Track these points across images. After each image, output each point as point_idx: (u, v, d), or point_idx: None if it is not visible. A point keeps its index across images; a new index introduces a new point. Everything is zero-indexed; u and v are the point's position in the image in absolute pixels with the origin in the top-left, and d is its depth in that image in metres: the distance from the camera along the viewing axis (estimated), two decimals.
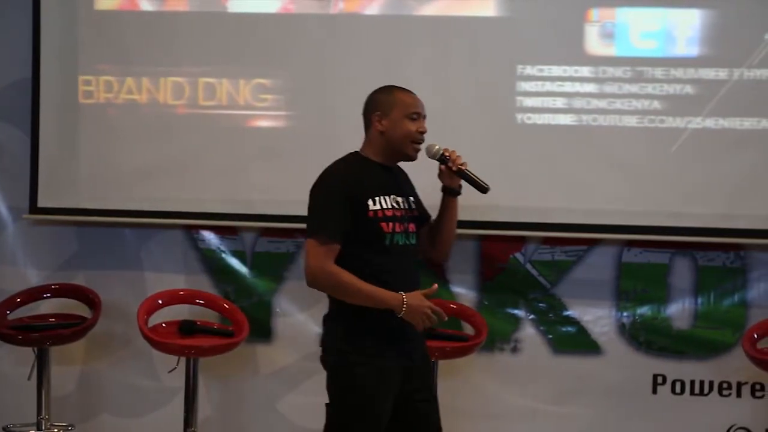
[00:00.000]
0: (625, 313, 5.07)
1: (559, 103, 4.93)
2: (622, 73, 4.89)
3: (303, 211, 4.91)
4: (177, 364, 4.86)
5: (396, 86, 3.63)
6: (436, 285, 3.45)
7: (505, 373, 5.11)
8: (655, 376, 5.06)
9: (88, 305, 5.11)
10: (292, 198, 5.00)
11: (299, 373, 5.17)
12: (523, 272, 5.11)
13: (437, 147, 3.59)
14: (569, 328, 5.11)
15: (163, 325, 4.95)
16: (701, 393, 5.03)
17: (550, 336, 5.12)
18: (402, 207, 3.51)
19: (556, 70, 4.91)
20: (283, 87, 5.08)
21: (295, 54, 5.05)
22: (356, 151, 3.58)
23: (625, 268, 5.06)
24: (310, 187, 4.94)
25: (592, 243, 5.06)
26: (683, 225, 4.88)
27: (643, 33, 4.88)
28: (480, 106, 4.94)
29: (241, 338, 4.87)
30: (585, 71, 4.90)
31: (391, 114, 3.51)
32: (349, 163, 3.54)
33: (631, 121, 4.89)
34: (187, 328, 4.90)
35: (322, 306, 5.09)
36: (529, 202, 4.94)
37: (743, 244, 4.96)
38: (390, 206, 3.46)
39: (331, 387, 3.49)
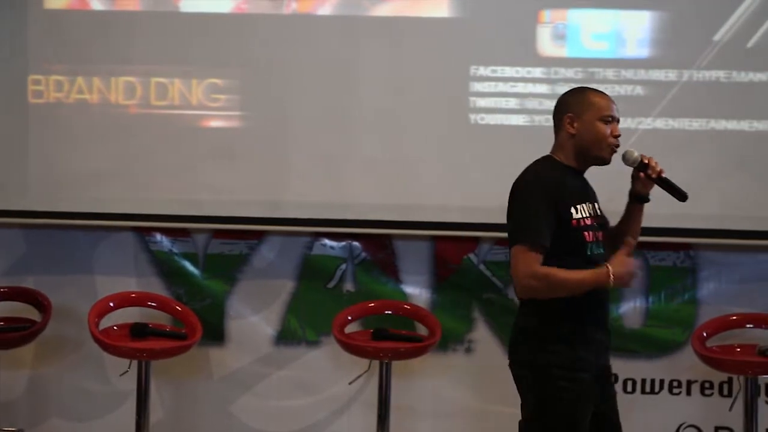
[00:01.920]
0: None
1: (512, 103, 4.96)
2: (574, 74, 4.92)
3: (257, 212, 5.02)
4: (129, 368, 4.80)
5: (589, 88, 3.47)
6: (631, 239, 3.30)
7: (459, 374, 5.12)
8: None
9: (37, 309, 5.04)
10: (246, 199, 5.02)
11: (253, 375, 5.15)
12: (477, 273, 5.12)
13: (636, 154, 3.41)
14: None
15: (115, 328, 4.89)
16: (652, 391, 5.08)
17: (504, 336, 5.13)
18: (593, 215, 3.35)
19: (509, 71, 4.94)
20: (236, 87, 5.05)
21: (248, 54, 5.03)
22: (549, 155, 3.41)
23: None
24: (263, 187, 5.02)
25: None
26: None
27: (595, 34, 4.93)
28: (433, 106, 4.95)
29: (193, 341, 4.82)
30: (537, 72, 4.93)
31: (584, 116, 3.30)
32: (550, 168, 3.33)
33: None
34: (138, 330, 4.85)
35: (276, 307, 5.15)
36: (483, 202, 4.94)
37: (693, 243, 5.01)
38: (588, 214, 3.31)
39: (531, 403, 3.35)
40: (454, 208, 4.97)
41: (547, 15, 4.92)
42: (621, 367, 5.06)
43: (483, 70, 4.95)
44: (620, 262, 3.18)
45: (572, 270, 3.17)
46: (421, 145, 4.98)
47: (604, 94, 3.38)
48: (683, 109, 4.88)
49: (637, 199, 3.44)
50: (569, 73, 4.92)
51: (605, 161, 3.34)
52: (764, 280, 5.01)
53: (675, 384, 5.05)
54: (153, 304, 5.05)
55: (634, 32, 4.91)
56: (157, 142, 5.06)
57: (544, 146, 4.87)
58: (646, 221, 4.94)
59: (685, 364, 4.98)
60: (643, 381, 5.08)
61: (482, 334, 5.13)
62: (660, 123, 4.90)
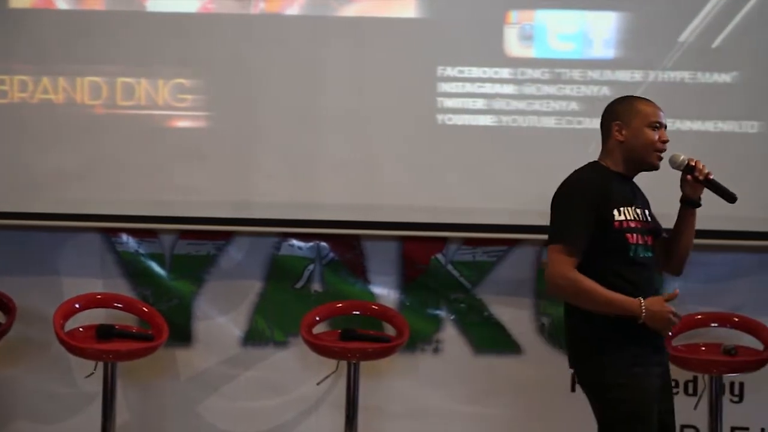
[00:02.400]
0: (544, 313, 5.13)
1: (479, 104, 4.97)
2: (541, 75, 4.94)
3: (224, 212, 5.00)
4: (94, 369, 4.77)
5: (636, 96, 3.57)
6: (677, 290, 3.37)
7: (427, 374, 5.13)
8: (573, 375, 5.11)
9: (2, 310, 4.98)
10: (213, 199, 5.00)
11: (220, 376, 5.13)
12: (444, 273, 5.13)
13: (683, 157, 3.46)
14: (490, 328, 5.15)
15: (80, 329, 4.86)
16: None
17: (471, 336, 5.15)
18: (641, 219, 3.40)
19: (476, 72, 4.95)
20: (203, 87, 5.03)
21: (215, 54, 5.01)
22: (596, 161, 3.48)
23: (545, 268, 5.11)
24: (230, 187, 5.00)
25: (513, 243, 5.10)
26: None
27: (561, 35, 4.95)
28: (401, 106, 4.95)
29: (160, 342, 4.80)
30: (504, 72, 4.95)
31: (632, 123, 3.40)
32: (594, 172, 3.43)
33: (550, 122, 4.95)
34: (104, 332, 4.82)
35: (244, 308, 5.13)
36: (450, 202, 4.97)
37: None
38: (633, 217, 3.36)
39: (600, 408, 3.38)
40: (422, 209, 4.98)
41: (514, 16, 4.94)
42: None
43: (450, 71, 4.96)
44: (656, 301, 3.27)
45: (605, 289, 3.25)
46: (388, 146, 4.98)
47: (650, 101, 3.47)
48: None
49: (688, 203, 3.49)
50: (536, 73, 4.94)
51: (654, 166, 3.42)
52: (728, 279, 5.05)
53: None
54: (119, 305, 5.02)
55: (600, 33, 4.94)
56: (123, 143, 5.03)
57: (511, 146, 4.96)
58: None
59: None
60: None
61: (450, 335, 5.14)
62: None
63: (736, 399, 5.09)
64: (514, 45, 4.95)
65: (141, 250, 5.15)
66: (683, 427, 5.06)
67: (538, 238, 5.05)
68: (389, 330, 4.99)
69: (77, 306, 4.92)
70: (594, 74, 4.94)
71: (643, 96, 3.58)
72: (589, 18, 4.94)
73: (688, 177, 3.45)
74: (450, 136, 4.98)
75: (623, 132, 3.41)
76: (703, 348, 4.79)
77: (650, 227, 3.44)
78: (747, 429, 5.08)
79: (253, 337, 5.15)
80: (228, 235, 5.12)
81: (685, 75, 4.91)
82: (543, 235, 4.92)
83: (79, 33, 5.03)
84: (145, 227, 5.10)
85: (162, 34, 5.01)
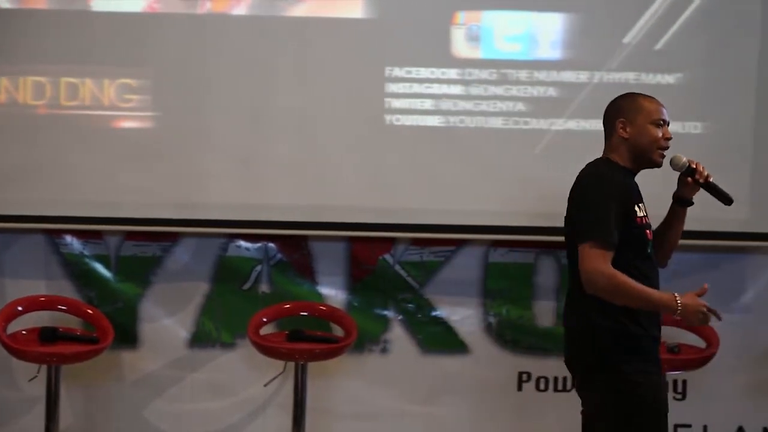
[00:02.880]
0: (491, 312, 5.16)
1: (427, 104, 4.98)
2: (488, 75, 4.97)
3: (171, 213, 4.96)
4: (38, 372, 4.71)
5: (640, 93, 3.56)
6: (706, 285, 3.33)
7: (375, 374, 5.13)
8: (520, 374, 5.16)
9: None
10: (159, 200, 4.96)
11: (166, 378, 5.08)
12: (392, 273, 5.13)
13: (684, 159, 3.48)
14: (437, 328, 5.16)
15: (23, 332, 4.79)
16: (564, 389, 5.14)
17: (419, 336, 5.16)
18: (647, 216, 3.43)
19: (424, 72, 4.96)
20: (148, 87, 4.97)
21: (161, 54, 4.96)
22: (606, 158, 3.47)
23: (492, 268, 5.15)
24: (177, 188, 4.95)
25: (460, 243, 5.12)
26: (547, 225, 4.97)
27: (508, 36, 4.97)
28: (349, 107, 4.95)
29: (105, 345, 4.75)
30: (452, 73, 4.96)
31: (637, 120, 3.42)
32: (613, 168, 3.42)
33: (497, 122, 4.98)
34: (48, 335, 4.75)
35: (190, 310, 5.09)
36: (398, 203, 4.98)
37: None
38: (645, 213, 3.39)
39: (608, 409, 3.35)
40: (370, 209, 4.98)
41: (461, 16, 4.96)
42: (534, 365, 5.15)
43: (398, 71, 4.96)
44: (690, 296, 3.27)
45: (644, 286, 3.26)
46: (336, 146, 4.98)
47: (654, 98, 3.50)
48: (594, 110, 4.86)
49: (681, 202, 3.53)
50: (483, 74, 4.96)
51: (657, 164, 3.44)
52: (673, 279, 5.10)
53: None
54: (63, 307, 4.95)
55: (546, 34, 4.97)
56: (67, 143, 4.96)
57: (459, 147, 4.98)
58: (556, 221, 5.05)
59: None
60: (556, 379, 5.14)
61: (398, 335, 5.15)
62: (572, 124, 4.97)
63: (679, 396, 5.16)
64: (461, 46, 4.96)
65: (86, 252, 5.09)
66: None
67: (485, 238, 5.09)
68: (337, 331, 4.99)
69: (20, 309, 4.85)
70: (540, 75, 4.97)
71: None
72: (535, 19, 4.97)
73: (689, 179, 3.48)
74: (398, 136, 4.99)
75: (627, 129, 3.42)
76: None
77: (649, 224, 3.47)
78: (690, 426, 5.16)
79: (199, 339, 5.11)
80: (174, 237, 5.08)
81: (630, 76, 4.96)
82: (490, 235, 5.05)
83: (21, 32, 4.94)
84: (90, 228, 5.04)
85: (107, 34, 4.94)
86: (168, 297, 5.07)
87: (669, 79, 4.96)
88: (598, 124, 4.93)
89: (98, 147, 4.96)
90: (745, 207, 4.96)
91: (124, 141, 4.99)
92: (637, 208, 3.35)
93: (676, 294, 3.26)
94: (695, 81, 4.96)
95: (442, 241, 5.10)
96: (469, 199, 4.98)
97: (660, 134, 3.41)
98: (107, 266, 5.10)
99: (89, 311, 4.94)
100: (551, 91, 4.95)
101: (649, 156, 3.42)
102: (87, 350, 4.72)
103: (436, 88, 4.97)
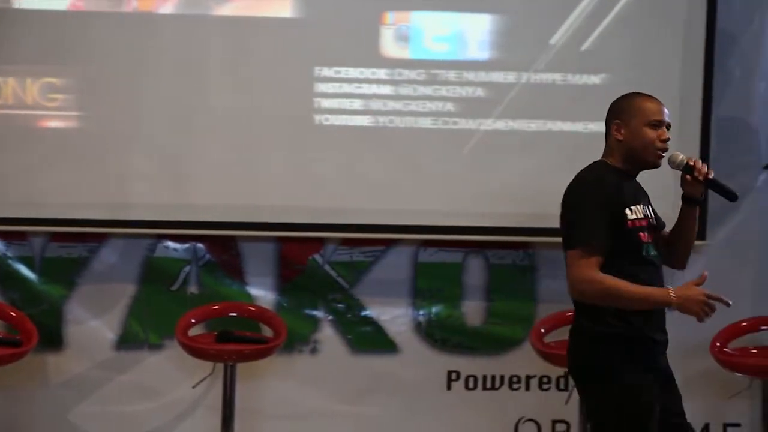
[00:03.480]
0: (421, 312, 5.17)
1: (356, 104, 4.98)
2: (417, 76, 4.99)
3: (97, 214, 4.89)
4: None
5: (639, 93, 3.47)
6: (705, 273, 3.24)
7: (305, 375, 5.12)
8: (449, 373, 5.18)
9: None
10: (85, 201, 4.89)
11: (93, 381, 5.02)
12: (322, 273, 5.13)
13: (681, 157, 3.40)
14: (367, 328, 5.16)
15: None
16: (493, 387, 5.19)
17: (349, 336, 5.16)
18: (647, 216, 3.36)
19: (353, 72, 4.96)
20: (73, 86, 4.91)
21: (86, 52, 4.90)
22: (602, 160, 3.41)
23: (421, 268, 5.17)
24: (104, 188, 4.89)
25: (389, 243, 5.13)
26: (476, 225, 5.02)
27: (436, 36, 5.00)
28: (278, 107, 4.93)
29: (29, 347, 4.67)
30: (381, 73, 4.97)
31: (631, 122, 3.35)
32: (603, 171, 3.37)
33: (426, 122, 5.00)
34: None
35: (117, 311, 5.03)
36: (328, 203, 4.97)
37: (531, 242, 5.14)
38: (642, 216, 3.32)
39: (595, 417, 3.32)
40: (300, 209, 4.97)
41: (390, 17, 4.97)
42: (463, 364, 5.18)
43: (327, 71, 4.96)
44: (686, 286, 3.20)
45: (631, 283, 3.20)
46: (265, 146, 4.96)
47: (653, 98, 3.42)
48: (522, 111, 5.01)
49: (690, 201, 3.45)
50: (412, 74, 4.98)
51: (653, 165, 3.38)
52: None
53: (515, 379, 5.18)
54: None
55: (474, 35, 5.01)
56: None
57: (388, 146, 4.99)
58: (485, 221, 5.10)
59: (525, 359, 5.11)
60: (484, 377, 5.18)
61: (327, 335, 5.14)
62: (500, 124, 5.01)
63: None
64: (390, 46, 4.98)
65: (9, 253, 5.00)
66: (555, 422, 5.19)
67: (414, 238, 5.11)
68: (266, 331, 4.96)
69: None
70: (469, 75, 5.01)
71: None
72: (463, 20, 5.00)
73: (687, 177, 3.41)
74: (327, 136, 4.98)
75: (622, 131, 3.37)
76: None
77: (655, 224, 3.42)
78: None
79: (126, 341, 5.05)
80: (101, 237, 5.01)
81: (557, 77, 5.01)
82: (420, 235, 5.07)
83: None
84: (14, 229, 4.95)
85: (30, 32, 4.86)
86: (94, 298, 5.01)
87: (594, 79, 5.03)
88: (526, 124, 5.03)
89: (22, 147, 4.88)
90: (669, 206, 5.01)
91: (49, 141, 4.92)
92: (628, 211, 3.30)
93: (670, 287, 3.22)
94: (620, 81, 4.98)
95: (371, 241, 5.10)
96: (399, 199, 4.99)
97: (655, 136, 3.35)
98: (31, 268, 5.01)
99: (12, 314, 4.86)
100: (480, 92, 4.98)
101: (644, 158, 3.37)
102: (10, 353, 4.63)
103: (365, 88, 4.97)
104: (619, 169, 3.39)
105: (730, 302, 3.22)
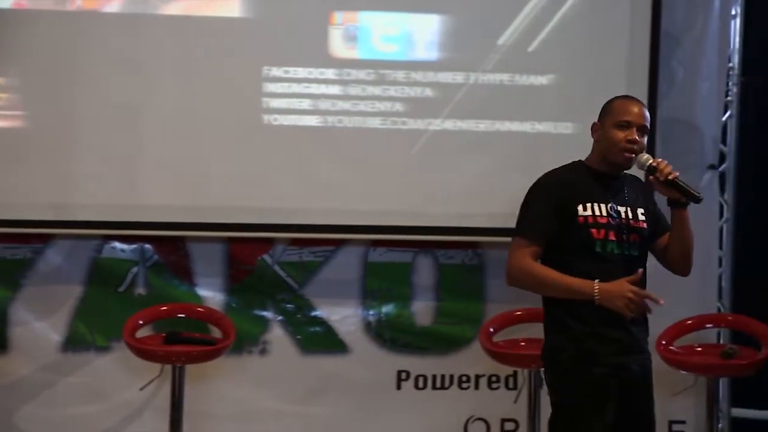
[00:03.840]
0: (371, 312, 5.18)
1: (305, 104, 4.97)
2: (366, 76, 4.99)
3: (42, 215, 4.83)
4: None
5: (625, 95, 3.58)
6: (640, 271, 3.31)
7: (254, 376, 5.10)
8: (399, 372, 5.19)
9: None
10: (30, 201, 4.83)
11: (38, 383, 4.96)
12: (271, 274, 5.11)
13: (646, 157, 3.42)
14: (317, 328, 5.16)
15: None
16: (442, 387, 5.20)
17: (299, 336, 5.15)
18: (622, 217, 3.39)
19: (302, 72, 4.95)
20: (18, 86, 4.86)
21: (31, 52, 4.83)
22: (580, 159, 3.51)
23: (371, 268, 5.17)
24: (50, 189, 4.83)
25: (339, 243, 5.13)
26: (425, 224, 5.03)
27: (385, 36, 5.00)
28: (226, 107, 4.90)
29: None
30: (330, 73, 4.97)
31: (605, 122, 3.46)
32: (567, 169, 3.49)
33: (375, 122, 5.00)
34: None
35: (63, 313, 4.97)
36: (277, 203, 4.95)
37: (480, 242, 5.17)
38: (605, 214, 3.36)
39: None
40: (249, 209, 4.94)
41: (338, 17, 4.97)
42: (413, 363, 5.19)
43: (276, 71, 4.94)
44: (615, 284, 3.27)
45: (561, 274, 3.31)
46: (214, 146, 4.93)
47: (628, 98, 3.53)
48: (470, 111, 5.03)
49: (674, 204, 3.45)
50: (361, 74, 4.98)
51: (621, 166, 3.44)
52: None
53: (464, 379, 5.20)
54: None
55: (423, 35, 5.02)
56: None
57: (337, 146, 4.98)
58: (434, 221, 5.11)
59: (474, 358, 5.13)
60: (434, 377, 5.20)
61: (277, 335, 5.13)
62: (449, 124, 5.03)
63: None
64: (338, 46, 4.97)
65: None
66: (504, 420, 5.21)
67: (364, 238, 5.11)
68: (215, 332, 4.93)
69: None
70: (417, 75, 5.02)
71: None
72: (412, 20, 5.01)
73: (651, 178, 3.43)
74: (276, 136, 4.96)
75: (597, 132, 3.49)
76: (523, 343, 4.91)
77: (633, 225, 3.44)
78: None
79: (73, 343, 4.99)
80: (46, 238, 4.95)
81: (504, 77, 5.04)
82: (369, 235, 5.07)
83: None
84: None
85: None
86: (39, 300, 4.95)
87: (542, 80, 5.06)
88: (474, 124, 5.04)
89: None
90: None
91: None
92: (580, 207, 3.37)
93: (597, 281, 3.29)
94: (567, 82, 5.07)
95: (321, 241, 5.09)
96: (348, 199, 4.99)
97: (622, 136, 3.41)
98: None
99: None
100: (428, 92, 5.00)
101: (611, 158, 3.43)
102: None
103: (314, 88, 4.96)
104: (594, 168, 3.47)
105: (661, 301, 3.29)
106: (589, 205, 3.39)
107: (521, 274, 3.37)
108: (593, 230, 3.37)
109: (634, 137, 3.41)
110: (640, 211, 3.48)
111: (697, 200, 3.43)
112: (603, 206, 3.41)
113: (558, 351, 3.40)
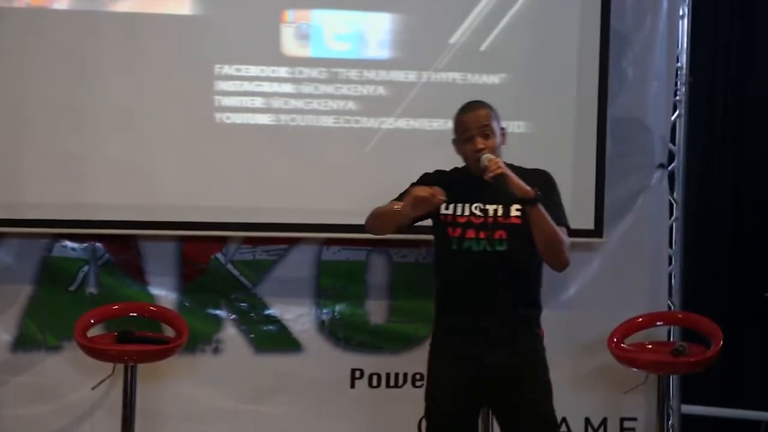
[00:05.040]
0: (324, 310, 5.18)
1: (258, 102, 4.96)
2: (318, 74, 4.98)
3: None
4: None
5: (463, 106, 3.71)
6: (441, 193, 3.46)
7: (207, 375, 5.08)
8: (353, 371, 5.19)
9: None
10: None
11: None
12: (224, 272, 5.10)
13: (484, 157, 3.52)
14: (270, 327, 5.15)
15: None
16: (396, 385, 5.21)
17: (252, 335, 5.14)
18: (489, 215, 3.50)
19: (254, 70, 4.94)
20: None
21: None
22: (465, 165, 3.67)
23: (325, 266, 5.17)
24: None
25: (293, 242, 5.13)
26: None
27: (337, 35, 5.00)
28: (178, 105, 4.88)
29: None
30: (282, 71, 4.96)
31: (456, 140, 3.68)
32: (450, 172, 3.73)
33: (328, 121, 5.00)
34: None
35: (13, 312, 4.94)
36: (230, 201, 4.94)
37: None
38: (466, 213, 3.51)
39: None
40: (201, 208, 4.93)
41: (290, 15, 4.96)
42: (367, 362, 5.20)
43: (228, 69, 4.93)
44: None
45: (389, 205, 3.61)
46: (165, 144, 4.91)
47: (462, 110, 3.67)
48: (423, 110, 5.04)
49: (520, 202, 3.50)
50: (314, 72, 4.98)
51: (481, 174, 3.52)
52: None
53: (418, 377, 5.20)
54: None
55: (375, 34, 5.02)
56: None
57: (290, 145, 4.98)
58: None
59: (427, 357, 5.14)
60: (388, 375, 5.21)
61: (230, 334, 5.11)
62: (402, 123, 5.04)
63: None
64: (290, 44, 4.97)
65: None
66: None
67: (317, 236, 5.11)
68: (168, 331, 4.91)
69: None
70: (370, 74, 5.02)
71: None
72: (364, 19, 5.01)
73: (485, 177, 3.51)
74: (228, 134, 4.95)
75: (457, 147, 3.68)
76: None
77: (501, 222, 3.56)
78: None
79: (23, 342, 4.95)
80: None
81: (456, 76, 5.06)
82: (322, 234, 5.07)
83: None
84: None
85: None
86: None
87: (494, 79, 5.08)
88: (426, 123, 5.07)
89: None
90: (566, 204, 5.11)
91: None
92: (443, 207, 3.57)
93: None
94: (519, 81, 5.10)
95: (274, 239, 5.09)
96: (301, 197, 4.98)
97: (469, 149, 3.59)
98: None
99: None
100: (381, 90, 5.01)
101: (473, 169, 3.60)
102: None
103: (266, 87, 4.96)
104: (469, 171, 3.62)
105: (443, 197, 3.47)
106: (452, 205, 3.59)
107: (369, 216, 3.69)
108: (449, 229, 3.56)
109: (477, 147, 3.56)
110: (515, 207, 3.55)
111: (512, 201, 3.51)
112: (468, 206, 3.58)
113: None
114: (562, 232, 3.57)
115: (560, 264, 3.60)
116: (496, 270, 3.55)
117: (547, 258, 3.59)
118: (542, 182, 3.62)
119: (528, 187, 3.45)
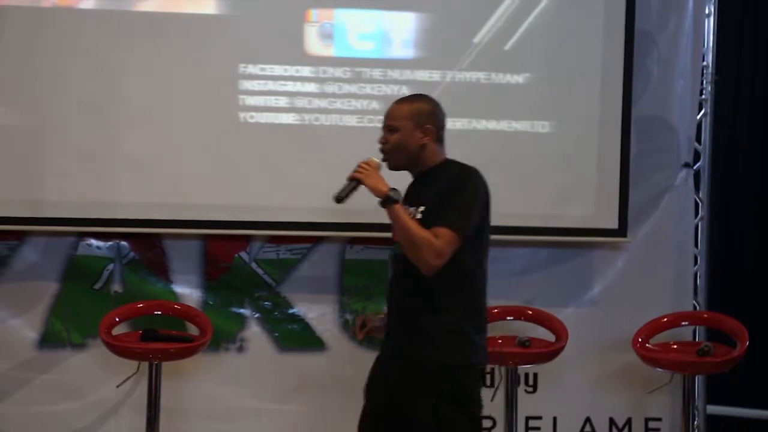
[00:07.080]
0: (348, 309, 5.18)
1: (282, 102, 4.97)
2: (342, 74, 4.99)
3: (17, 212, 4.82)
4: None
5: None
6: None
7: (231, 373, 5.09)
8: None
9: None
10: (3, 198, 4.82)
11: (13, 381, 4.94)
12: (248, 271, 5.11)
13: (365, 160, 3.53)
14: (294, 326, 5.16)
15: None
16: None
17: (276, 334, 5.15)
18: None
19: (278, 70, 4.95)
20: None
21: (6, 48, 4.81)
22: None
23: (348, 265, 5.17)
24: (24, 186, 4.80)
25: (316, 241, 5.13)
26: None
27: (361, 34, 5.01)
28: (202, 104, 4.90)
29: None
30: (306, 71, 4.97)
31: None
32: None
33: (351, 120, 5.01)
34: None
35: (39, 310, 4.96)
36: (254, 200, 4.96)
37: None
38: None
39: None
40: (225, 207, 4.94)
41: (314, 14, 4.97)
42: None
43: (252, 69, 4.94)
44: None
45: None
46: (190, 144, 4.93)
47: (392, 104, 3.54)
48: (446, 110, 4.93)
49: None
50: (337, 72, 4.98)
51: (394, 168, 3.56)
52: (518, 275, 5.23)
53: None
54: None
55: (399, 33, 5.03)
56: None
57: (314, 144, 4.98)
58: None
59: None
60: None
61: (254, 333, 5.13)
62: None
63: (530, 390, 5.28)
64: (314, 43, 4.97)
65: None
66: (481, 418, 5.20)
67: (341, 235, 5.11)
68: (192, 330, 4.93)
69: None
70: (394, 74, 5.02)
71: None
72: (388, 18, 5.02)
73: None
74: (253, 134, 4.97)
75: None
76: (500, 341, 4.88)
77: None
78: (540, 418, 5.28)
79: (48, 340, 4.98)
80: (22, 235, 4.94)
81: (480, 75, 5.05)
82: (346, 233, 5.07)
83: None
84: None
85: None
86: (15, 297, 4.93)
87: (518, 78, 5.07)
88: (450, 123, 4.99)
89: None
90: (590, 204, 5.12)
91: None
92: None
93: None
94: (543, 81, 5.09)
95: (298, 238, 5.10)
96: (325, 196, 4.91)
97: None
98: None
99: None
100: (405, 90, 4.98)
101: None
102: None
103: (290, 86, 4.97)
104: None
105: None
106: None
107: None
108: (393, 233, 3.48)
109: (381, 139, 3.52)
110: (420, 209, 3.41)
111: (336, 201, 3.57)
112: (408, 208, 3.46)
113: None
114: (437, 235, 3.29)
115: (423, 266, 3.31)
116: (403, 274, 3.43)
117: (411, 259, 3.36)
118: (449, 182, 3.44)
119: (384, 188, 3.40)
